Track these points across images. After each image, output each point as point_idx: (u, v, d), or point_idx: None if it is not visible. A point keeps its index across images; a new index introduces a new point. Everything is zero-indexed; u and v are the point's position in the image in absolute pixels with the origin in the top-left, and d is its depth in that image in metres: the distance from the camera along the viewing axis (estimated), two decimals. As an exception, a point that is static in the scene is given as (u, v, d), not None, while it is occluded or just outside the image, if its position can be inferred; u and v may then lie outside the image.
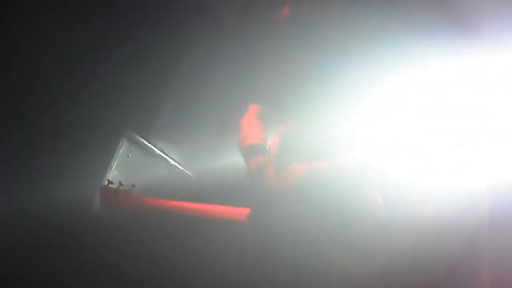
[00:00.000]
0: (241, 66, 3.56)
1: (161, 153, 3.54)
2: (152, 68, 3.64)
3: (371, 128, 2.49)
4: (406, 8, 3.18)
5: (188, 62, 3.86)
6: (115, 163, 3.26)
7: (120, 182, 2.58)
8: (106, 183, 2.65)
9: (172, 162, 3.57)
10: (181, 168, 3.57)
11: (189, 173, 3.56)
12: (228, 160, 3.84)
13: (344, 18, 2.43)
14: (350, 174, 2.34)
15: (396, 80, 2.93)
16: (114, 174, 3.21)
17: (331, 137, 2.38)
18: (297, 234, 2.31)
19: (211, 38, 3.86)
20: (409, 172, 3.54)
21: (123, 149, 3.33)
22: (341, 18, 2.45)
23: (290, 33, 2.44)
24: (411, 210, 3.48)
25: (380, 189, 2.82)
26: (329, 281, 2.32)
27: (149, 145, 3.49)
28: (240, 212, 2.50)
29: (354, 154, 2.36)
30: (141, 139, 3.45)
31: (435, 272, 3.28)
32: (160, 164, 3.52)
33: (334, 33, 2.43)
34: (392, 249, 2.77)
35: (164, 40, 3.69)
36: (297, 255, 2.28)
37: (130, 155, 3.38)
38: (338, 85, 2.38)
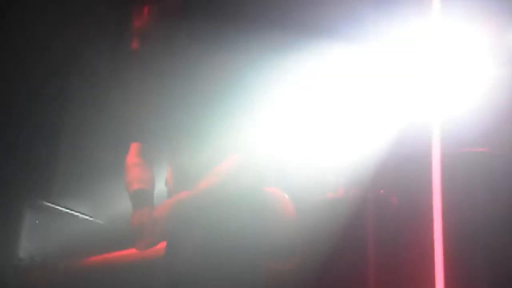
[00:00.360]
0: (120, 105, 3.56)
1: (68, 210, 3.52)
2: (35, 127, 3.62)
3: (256, 130, 2.53)
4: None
5: (72, 111, 3.85)
6: (24, 234, 3.23)
7: (31, 257, 2.54)
8: (18, 261, 2.61)
9: (81, 216, 3.56)
10: (92, 219, 3.57)
11: (100, 222, 3.56)
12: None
13: (201, 40, 2.46)
14: (232, 181, 2.34)
15: (273, 86, 3.05)
16: (26, 245, 3.18)
17: (222, 153, 2.40)
18: (214, 252, 2.34)
19: (88, 84, 3.86)
20: (305, 160, 3.68)
21: (28, 218, 3.29)
22: (197, 40, 2.48)
23: (146, 64, 2.45)
24: (317, 197, 3.62)
25: (281, 184, 2.89)
26: (254, 281, 2.36)
27: (54, 206, 3.46)
28: (157, 247, 2.53)
29: (233, 161, 2.36)
30: (44, 202, 3.43)
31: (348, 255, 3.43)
32: (70, 221, 3.51)
33: (192, 55, 2.45)
34: (307, 241, 2.87)
35: (41, 94, 3.67)
36: (220, 268, 2.32)
37: (37, 221, 3.35)
38: (209, 103, 2.40)
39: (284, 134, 3.42)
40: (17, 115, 3.51)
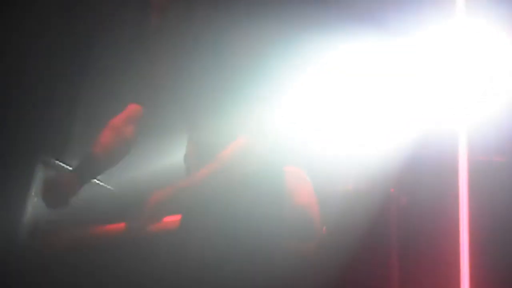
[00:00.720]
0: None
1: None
2: (53, 86, 3.59)
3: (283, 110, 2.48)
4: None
5: (89, 75, 3.82)
6: (34, 190, 3.20)
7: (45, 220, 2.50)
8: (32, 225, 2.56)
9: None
10: (101, 183, 3.53)
11: (110, 187, 3.52)
12: (148, 169, 3.84)
13: (225, 13, 2.39)
14: (243, 164, 2.27)
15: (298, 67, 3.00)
16: (35, 201, 3.15)
17: (246, 131, 2.34)
18: (232, 228, 2.29)
19: (109, 49, 3.83)
20: (329, 145, 3.66)
21: (40, 175, 3.26)
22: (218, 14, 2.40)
23: (167, 37, 2.38)
24: (337, 182, 3.59)
25: (303, 164, 2.84)
26: (274, 263, 2.32)
27: (65, 165, 3.43)
28: (173, 220, 2.48)
29: (244, 139, 2.27)
30: (56, 161, 3.39)
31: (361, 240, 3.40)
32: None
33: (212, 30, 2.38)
34: (325, 222, 2.83)
35: (63, 55, 3.64)
36: (237, 246, 2.27)
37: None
38: (232, 80, 2.34)
39: (306, 120, 3.36)
40: (35, 73, 3.48)
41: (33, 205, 3.07)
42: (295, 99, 3.06)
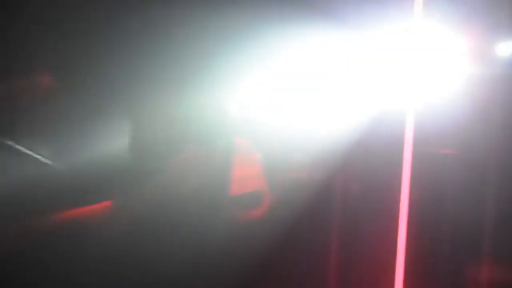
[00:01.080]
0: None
1: (29, 152, 3.45)
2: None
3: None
4: None
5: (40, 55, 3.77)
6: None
7: None
8: None
9: (42, 159, 3.50)
10: (52, 164, 3.50)
11: (60, 168, 3.49)
12: (101, 150, 3.81)
13: None
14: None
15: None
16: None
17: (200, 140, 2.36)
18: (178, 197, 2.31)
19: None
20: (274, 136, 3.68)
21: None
22: None
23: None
24: (287, 170, 3.63)
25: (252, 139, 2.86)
26: (219, 229, 2.35)
27: (14, 144, 3.39)
28: (104, 205, 2.48)
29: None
30: (5, 140, 3.35)
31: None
32: (29, 163, 3.44)
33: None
34: (272, 190, 2.87)
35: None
36: (184, 213, 2.30)
37: (-4, 158, 3.29)
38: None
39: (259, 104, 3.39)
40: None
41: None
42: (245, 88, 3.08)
